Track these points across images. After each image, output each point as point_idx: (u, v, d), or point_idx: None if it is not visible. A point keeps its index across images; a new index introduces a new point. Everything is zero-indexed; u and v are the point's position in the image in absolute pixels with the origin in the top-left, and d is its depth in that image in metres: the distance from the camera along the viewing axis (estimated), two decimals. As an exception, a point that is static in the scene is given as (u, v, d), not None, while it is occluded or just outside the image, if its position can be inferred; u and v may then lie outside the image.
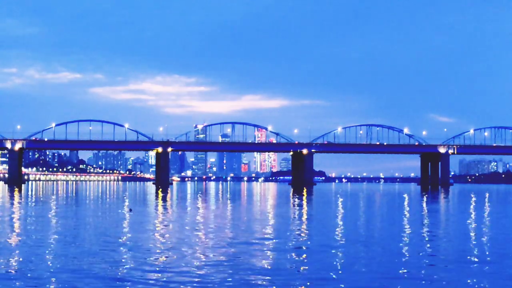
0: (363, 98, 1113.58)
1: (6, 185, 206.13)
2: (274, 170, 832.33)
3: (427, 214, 60.09)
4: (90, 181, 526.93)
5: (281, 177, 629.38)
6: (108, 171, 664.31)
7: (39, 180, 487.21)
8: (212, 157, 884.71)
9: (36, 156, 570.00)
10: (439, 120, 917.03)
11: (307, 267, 23.90)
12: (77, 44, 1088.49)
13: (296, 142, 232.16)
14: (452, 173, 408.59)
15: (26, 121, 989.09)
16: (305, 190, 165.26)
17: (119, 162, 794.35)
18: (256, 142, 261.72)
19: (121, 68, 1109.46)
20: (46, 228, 39.68)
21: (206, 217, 51.97)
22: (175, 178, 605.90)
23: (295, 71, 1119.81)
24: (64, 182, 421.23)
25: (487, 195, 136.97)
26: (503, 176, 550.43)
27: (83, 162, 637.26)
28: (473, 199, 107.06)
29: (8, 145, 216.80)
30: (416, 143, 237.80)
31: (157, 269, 23.15)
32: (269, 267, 23.74)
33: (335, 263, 24.95)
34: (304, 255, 27.35)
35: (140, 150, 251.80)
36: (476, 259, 26.45)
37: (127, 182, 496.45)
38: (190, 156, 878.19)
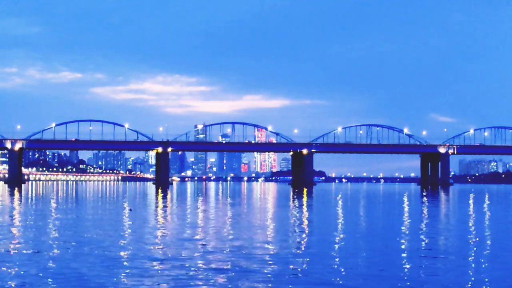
0: (363, 98, 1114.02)
1: (6, 185, 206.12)
2: (274, 170, 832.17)
3: (426, 213, 60.13)
4: (90, 181, 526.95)
5: (281, 177, 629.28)
6: (108, 171, 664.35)
7: (39, 180, 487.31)
8: (212, 157, 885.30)
9: (36, 156, 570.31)
10: (439, 120, 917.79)
11: (308, 270, 23.94)
12: (77, 43, 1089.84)
13: (296, 142, 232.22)
14: (452, 173, 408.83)
15: (26, 121, 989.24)
16: (305, 190, 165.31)
17: (119, 162, 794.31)
18: (256, 142, 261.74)
19: (122, 68, 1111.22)
20: (46, 229, 39.69)
21: (206, 217, 52.02)
22: (175, 178, 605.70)
23: (296, 71, 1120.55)
24: (64, 182, 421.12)
25: (486, 195, 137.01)
26: (503, 176, 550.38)
27: (83, 162, 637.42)
28: (473, 199, 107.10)
29: (8, 145, 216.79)
30: (416, 143, 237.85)
31: (155, 269, 23.19)
32: (269, 268, 23.77)
33: (334, 256, 25.06)
34: (304, 255, 27.40)
35: (140, 150, 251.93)
36: (474, 256, 26.53)
37: (127, 182, 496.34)
38: (190, 156, 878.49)
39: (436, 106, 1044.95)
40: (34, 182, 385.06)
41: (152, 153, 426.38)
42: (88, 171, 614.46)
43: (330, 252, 27.94)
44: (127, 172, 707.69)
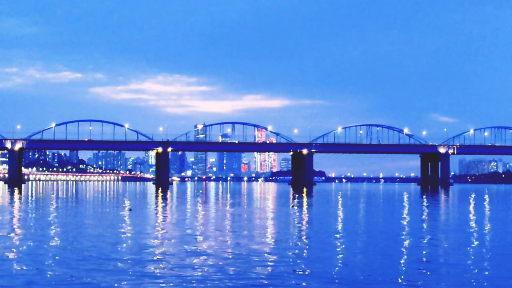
0: (363, 98, 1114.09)
1: (6, 185, 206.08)
2: (274, 170, 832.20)
3: (426, 213, 60.14)
4: (90, 181, 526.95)
5: (281, 177, 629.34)
6: (108, 171, 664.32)
7: (39, 180, 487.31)
8: (212, 157, 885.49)
9: (36, 156, 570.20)
10: (440, 120, 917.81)
11: (308, 269, 23.95)
12: (78, 43, 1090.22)
13: (296, 142, 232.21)
14: (452, 173, 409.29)
15: (26, 121, 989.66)
16: (305, 190, 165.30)
17: (119, 162, 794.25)
18: (256, 142, 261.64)
19: (122, 68, 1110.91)
20: (45, 228, 39.68)
21: (206, 217, 52.04)
22: (175, 178, 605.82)
23: (296, 71, 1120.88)
24: (64, 182, 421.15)
25: (486, 195, 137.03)
26: (503, 176, 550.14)
27: (83, 162, 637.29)
28: (473, 199, 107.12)
29: (8, 145, 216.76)
30: (416, 143, 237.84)
31: (155, 269, 23.18)
32: (269, 268, 23.77)
33: (335, 256, 25.07)
34: (304, 255, 27.40)
35: (140, 150, 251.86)
36: (474, 257, 26.52)
37: (127, 182, 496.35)
38: (190, 156, 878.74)
39: (436, 106, 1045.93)
40: (34, 182, 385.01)
41: (152, 153, 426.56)
42: (88, 171, 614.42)
43: (330, 252, 27.94)
44: (127, 172, 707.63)
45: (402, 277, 21.71)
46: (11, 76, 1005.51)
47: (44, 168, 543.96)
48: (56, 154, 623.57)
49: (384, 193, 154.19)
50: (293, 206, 72.28)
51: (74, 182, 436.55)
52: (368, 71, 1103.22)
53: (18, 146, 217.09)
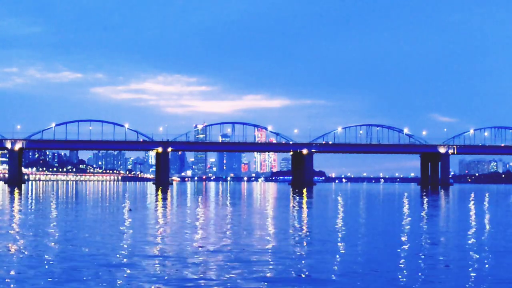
0: (363, 98, 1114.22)
1: (6, 185, 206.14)
2: (274, 170, 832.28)
3: (426, 213, 60.15)
4: (90, 181, 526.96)
5: (281, 177, 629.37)
6: (108, 171, 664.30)
7: (39, 180, 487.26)
8: (212, 157, 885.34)
9: (36, 156, 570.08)
10: (439, 120, 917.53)
11: (307, 268, 23.95)
12: (78, 43, 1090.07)
13: (296, 142, 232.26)
14: (452, 173, 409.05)
15: (26, 121, 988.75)
16: (305, 190, 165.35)
17: (119, 162, 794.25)
18: (256, 142, 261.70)
19: (122, 68, 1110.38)
20: (45, 229, 39.68)
21: (206, 217, 52.06)
22: (175, 178, 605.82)
23: (296, 70, 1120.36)
24: (64, 182, 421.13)
25: (486, 195, 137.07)
26: (503, 176, 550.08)
27: (83, 162, 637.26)
28: (473, 199, 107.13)
29: (8, 145, 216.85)
30: (416, 143, 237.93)
31: (155, 269, 23.19)
32: (269, 268, 23.77)
33: (335, 256, 25.08)
34: (304, 254, 27.41)
35: (140, 150, 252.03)
36: (474, 257, 26.53)
37: (127, 182, 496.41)
38: (190, 156, 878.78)
39: (436, 106, 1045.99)
40: (34, 182, 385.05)
41: (152, 153, 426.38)
42: (88, 171, 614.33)
43: (330, 252, 27.94)
44: (127, 172, 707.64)
45: (402, 276, 21.71)
46: (11, 76, 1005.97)
47: (44, 168, 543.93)
48: (56, 154, 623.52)
49: (384, 193, 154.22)
50: (293, 207, 72.29)
51: (74, 182, 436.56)
52: (368, 71, 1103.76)
53: (18, 146, 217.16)
